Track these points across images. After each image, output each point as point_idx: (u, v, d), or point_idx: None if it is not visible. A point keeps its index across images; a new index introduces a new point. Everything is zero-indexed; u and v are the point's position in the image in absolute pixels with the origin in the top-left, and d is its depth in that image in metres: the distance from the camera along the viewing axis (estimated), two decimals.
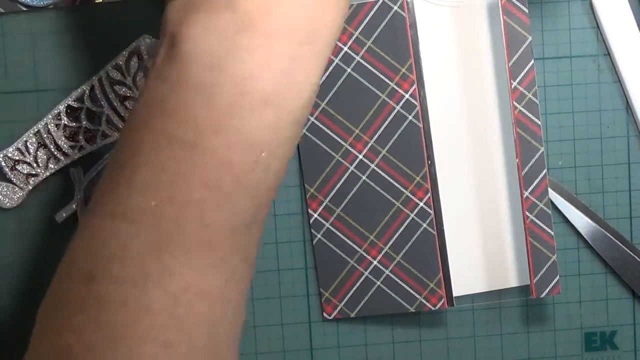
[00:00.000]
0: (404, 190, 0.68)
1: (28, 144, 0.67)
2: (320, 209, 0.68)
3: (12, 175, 0.67)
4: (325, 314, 0.69)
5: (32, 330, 0.69)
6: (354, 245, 0.68)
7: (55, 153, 0.67)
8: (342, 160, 0.68)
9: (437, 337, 0.70)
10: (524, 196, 0.66)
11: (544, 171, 0.66)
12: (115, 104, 0.67)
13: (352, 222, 0.68)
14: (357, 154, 0.68)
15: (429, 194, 0.68)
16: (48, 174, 0.67)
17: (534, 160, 0.66)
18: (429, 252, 0.68)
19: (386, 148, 0.68)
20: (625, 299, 0.71)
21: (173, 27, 0.45)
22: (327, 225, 0.68)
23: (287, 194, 0.69)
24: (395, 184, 0.68)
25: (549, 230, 0.66)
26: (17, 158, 0.67)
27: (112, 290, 0.43)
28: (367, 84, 0.67)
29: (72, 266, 0.46)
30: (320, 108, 0.68)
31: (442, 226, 0.68)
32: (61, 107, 0.67)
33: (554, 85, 0.69)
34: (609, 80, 0.69)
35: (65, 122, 0.67)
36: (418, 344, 0.70)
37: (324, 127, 0.68)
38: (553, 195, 0.69)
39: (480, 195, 0.69)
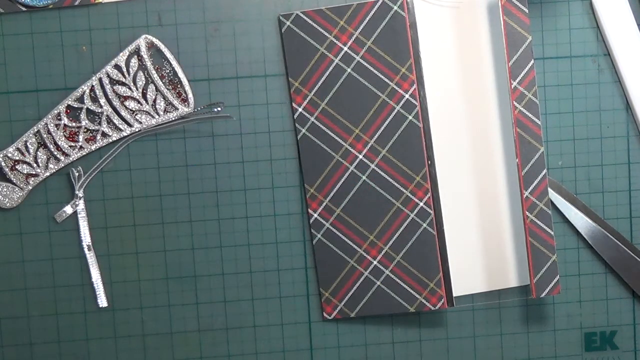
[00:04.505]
0: (404, 190, 0.68)
1: (28, 144, 0.67)
2: (320, 209, 0.68)
3: (12, 175, 0.67)
4: (325, 314, 0.69)
5: (33, 328, 0.69)
6: (354, 245, 0.68)
7: (55, 153, 0.67)
8: (342, 160, 0.68)
9: (437, 337, 0.70)
10: (524, 196, 0.66)
11: (544, 171, 0.66)
12: (115, 104, 0.67)
13: (352, 222, 0.68)
14: (357, 154, 0.68)
15: (429, 194, 0.68)
16: (48, 174, 0.67)
17: (534, 160, 0.66)
18: (429, 252, 0.68)
19: (386, 148, 0.68)
20: (625, 299, 0.71)
21: None
22: (327, 225, 0.68)
23: (287, 194, 0.69)
24: (395, 184, 0.68)
25: (549, 230, 0.66)
26: (17, 158, 0.67)
27: None
28: (367, 84, 0.67)
29: None
30: (320, 108, 0.68)
31: (442, 226, 0.68)
32: (61, 107, 0.67)
33: (554, 85, 0.69)
34: (609, 80, 0.69)
35: (65, 122, 0.67)
36: (418, 344, 0.70)
37: (324, 127, 0.68)
38: (553, 195, 0.69)
39: (480, 195, 0.69)
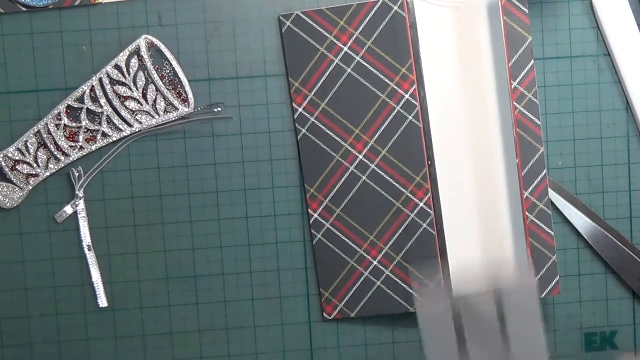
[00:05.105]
0: (404, 190, 0.68)
1: (28, 144, 0.67)
2: (320, 209, 0.68)
3: (12, 175, 0.67)
4: (325, 314, 0.69)
5: (33, 328, 0.69)
6: (354, 245, 0.68)
7: (55, 153, 0.67)
8: (342, 160, 0.68)
9: None
10: (524, 196, 0.66)
11: (544, 171, 0.66)
12: (115, 104, 0.67)
13: (352, 222, 0.68)
14: (357, 154, 0.68)
15: (429, 194, 0.68)
16: (48, 174, 0.67)
17: (534, 160, 0.66)
18: (429, 252, 0.68)
19: (386, 148, 0.68)
20: (625, 299, 0.71)
21: None
22: (327, 225, 0.68)
23: (287, 194, 0.69)
24: (395, 184, 0.68)
25: (549, 230, 0.66)
26: (17, 158, 0.67)
27: None
28: (367, 84, 0.67)
29: None
30: (320, 108, 0.68)
31: (442, 226, 0.68)
32: (61, 107, 0.67)
33: (554, 85, 0.69)
34: (609, 80, 0.69)
35: (65, 122, 0.67)
36: (418, 344, 0.70)
37: (324, 127, 0.68)
38: (553, 195, 0.69)
39: (480, 195, 0.69)
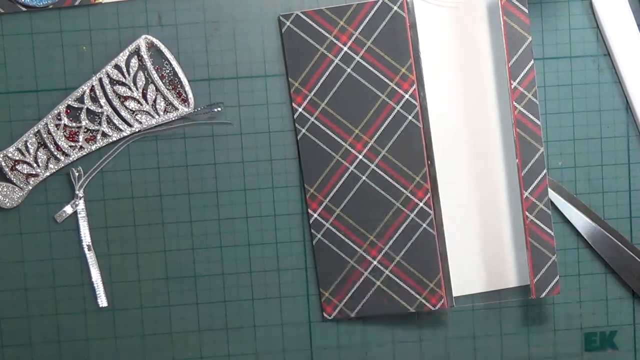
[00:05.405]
0: (404, 190, 0.68)
1: (28, 144, 0.67)
2: (320, 209, 0.68)
3: (12, 175, 0.67)
4: (325, 314, 0.69)
5: (33, 328, 0.69)
6: (354, 246, 0.68)
7: (55, 153, 0.67)
8: (342, 160, 0.68)
9: (437, 337, 0.70)
10: (524, 196, 0.66)
11: (544, 171, 0.66)
12: (115, 104, 0.67)
13: (352, 222, 0.68)
14: (357, 154, 0.68)
15: (429, 194, 0.68)
16: (48, 174, 0.67)
17: (534, 160, 0.66)
18: (429, 252, 0.68)
19: (386, 148, 0.68)
20: (625, 299, 0.71)
21: None
22: (327, 225, 0.68)
23: (287, 194, 0.69)
24: (395, 184, 0.68)
25: (549, 231, 0.66)
26: (17, 158, 0.67)
27: None
28: (367, 84, 0.67)
29: None
30: (320, 108, 0.68)
31: (442, 226, 0.68)
32: (61, 107, 0.67)
33: (554, 85, 0.69)
34: (609, 80, 0.69)
35: (65, 122, 0.67)
36: (418, 344, 0.70)
37: (324, 127, 0.68)
38: (553, 195, 0.69)
39: (480, 196, 0.69)
